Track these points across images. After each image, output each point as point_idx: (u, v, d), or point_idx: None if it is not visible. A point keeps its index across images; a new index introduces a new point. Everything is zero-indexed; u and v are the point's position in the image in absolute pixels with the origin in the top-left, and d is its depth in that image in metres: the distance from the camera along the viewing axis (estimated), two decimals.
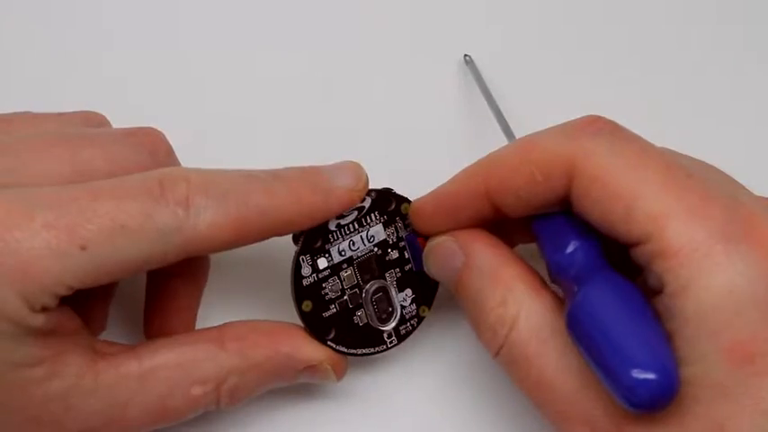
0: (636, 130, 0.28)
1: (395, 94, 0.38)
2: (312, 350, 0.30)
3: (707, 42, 0.39)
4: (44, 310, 0.26)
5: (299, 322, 0.31)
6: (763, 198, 0.27)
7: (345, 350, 0.31)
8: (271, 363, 0.30)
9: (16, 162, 0.27)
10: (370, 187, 0.31)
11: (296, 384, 0.31)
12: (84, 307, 0.30)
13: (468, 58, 0.36)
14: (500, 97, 0.35)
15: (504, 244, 0.30)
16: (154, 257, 0.27)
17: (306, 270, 0.30)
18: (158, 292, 0.32)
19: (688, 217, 0.24)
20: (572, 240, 0.27)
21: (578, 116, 0.28)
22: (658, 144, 0.28)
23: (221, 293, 0.34)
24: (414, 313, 0.32)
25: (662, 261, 0.24)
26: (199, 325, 0.32)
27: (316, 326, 0.31)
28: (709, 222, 0.24)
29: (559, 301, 0.28)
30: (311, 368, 0.30)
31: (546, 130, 0.28)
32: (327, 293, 0.31)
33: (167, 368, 0.28)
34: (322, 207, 0.29)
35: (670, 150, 0.28)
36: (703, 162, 0.28)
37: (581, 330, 0.25)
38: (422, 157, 0.36)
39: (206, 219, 0.27)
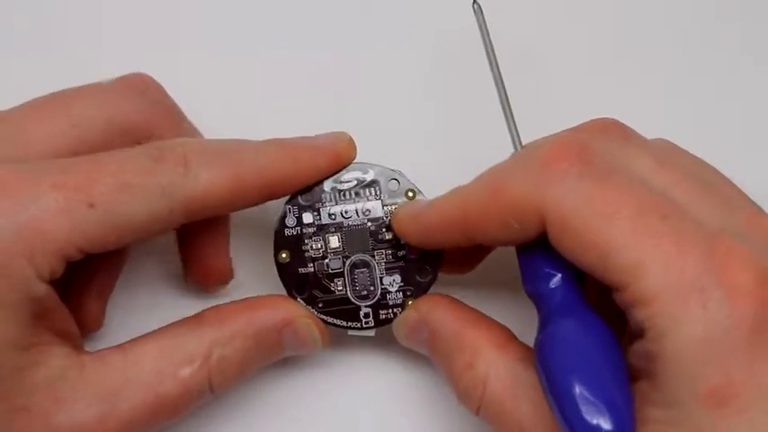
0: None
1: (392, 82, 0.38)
2: (290, 307, 0.30)
3: (705, 40, 0.39)
4: (50, 279, 0.26)
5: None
6: (756, 214, 0.27)
7: (316, 313, 0.31)
8: (251, 327, 0.30)
9: (15, 129, 0.28)
10: (380, 164, 0.31)
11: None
12: (82, 303, 0.31)
13: (476, 6, 0.33)
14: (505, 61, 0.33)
15: (467, 307, 0.30)
16: (159, 215, 0.27)
17: (290, 221, 0.31)
18: (187, 233, 0.32)
19: (662, 266, 0.24)
20: (554, 276, 0.27)
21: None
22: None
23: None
24: (398, 302, 0.31)
25: (639, 309, 0.25)
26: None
27: (290, 280, 0.31)
28: (684, 271, 0.24)
29: (528, 351, 0.28)
30: (292, 328, 0.30)
31: (512, 166, 0.28)
32: (308, 251, 0.31)
33: (151, 355, 0.28)
34: (312, 163, 0.30)
35: (661, 152, 0.28)
36: (700, 164, 0.28)
37: (544, 364, 0.26)
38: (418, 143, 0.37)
39: (204, 176, 0.28)
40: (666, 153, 0.28)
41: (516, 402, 0.27)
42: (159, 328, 0.30)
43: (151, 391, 0.28)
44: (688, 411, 0.24)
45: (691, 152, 0.28)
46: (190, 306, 0.31)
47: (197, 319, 0.30)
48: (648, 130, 0.28)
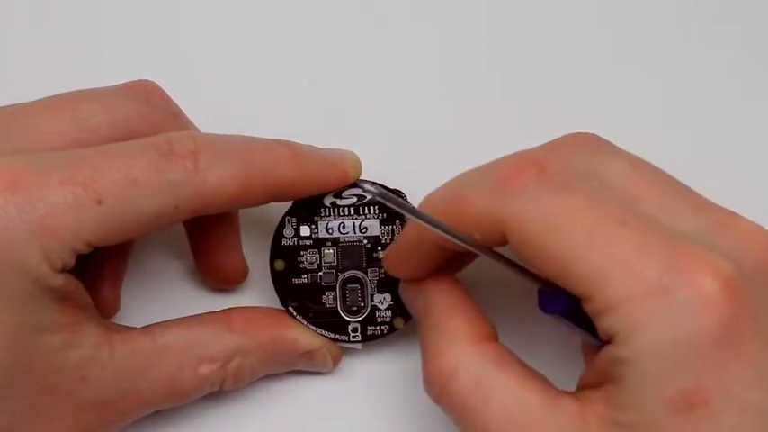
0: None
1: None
2: (312, 336, 0.32)
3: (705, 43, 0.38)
4: (63, 270, 0.27)
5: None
6: (729, 215, 0.26)
7: (305, 323, 0.32)
8: (274, 345, 0.31)
9: (24, 125, 0.29)
10: (382, 183, 0.31)
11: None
12: (96, 288, 0.31)
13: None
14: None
15: (466, 295, 0.30)
16: (166, 211, 0.28)
17: (288, 231, 0.31)
18: (198, 234, 0.33)
19: (623, 272, 0.24)
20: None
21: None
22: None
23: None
24: (387, 320, 0.32)
25: (605, 317, 0.25)
26: (207, 305, 0.33)
27: (283, 289, 0.32)
28: (646, 273, 0.24)
29: (504, 351, 0.28)
30: (310, 354, 0.32)
31: (474, 178, 0.28)
32: (303, 262, 0.31)
33: (178, 346, 0.30)
34: (320, 175, 0.30)
35: (635, 158, 0.27)
36: (656, 171, 0.27)
37: None
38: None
39: (213, 173, 0.28)
40: (640, 160, 0.27)
41: (483, 401, 0.27)
42: (187, 318, 0.31)
43: (170, 378, 0.29)
44: (656, 415, 0.24)
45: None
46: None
47: (226, 320, 0.31)
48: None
